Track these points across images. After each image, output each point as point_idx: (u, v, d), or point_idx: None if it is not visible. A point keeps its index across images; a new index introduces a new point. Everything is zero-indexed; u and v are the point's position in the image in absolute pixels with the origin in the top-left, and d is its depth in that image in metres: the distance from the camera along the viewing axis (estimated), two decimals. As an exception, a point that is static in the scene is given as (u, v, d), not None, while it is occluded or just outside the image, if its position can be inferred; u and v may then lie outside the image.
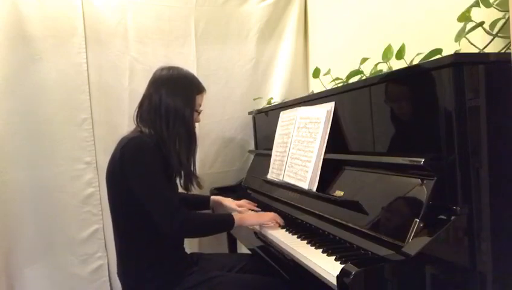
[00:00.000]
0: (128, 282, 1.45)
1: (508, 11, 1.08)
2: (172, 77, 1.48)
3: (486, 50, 1.15)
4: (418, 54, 1.29)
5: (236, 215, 1.50)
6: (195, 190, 1.58)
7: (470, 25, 1.13)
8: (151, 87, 1.48)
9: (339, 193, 1.34)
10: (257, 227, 1.58)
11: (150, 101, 1.45)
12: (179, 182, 1.52)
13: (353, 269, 0.88)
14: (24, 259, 2.01)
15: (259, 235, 1.59)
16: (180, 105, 1.43)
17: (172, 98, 1.43)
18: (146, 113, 1.45)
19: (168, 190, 1.39)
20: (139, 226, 1.40)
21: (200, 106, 1.53)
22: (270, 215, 1.55)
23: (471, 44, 1.18)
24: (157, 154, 1.37)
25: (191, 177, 1.50)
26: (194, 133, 1.50)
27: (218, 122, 2.35)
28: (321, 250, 1.18)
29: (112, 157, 1.43)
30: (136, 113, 1.49)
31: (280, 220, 1.53)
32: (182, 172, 1.48)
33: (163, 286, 1.38)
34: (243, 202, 1.85)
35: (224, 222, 1.48)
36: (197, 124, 1.55)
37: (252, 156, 2.36)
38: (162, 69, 1.50)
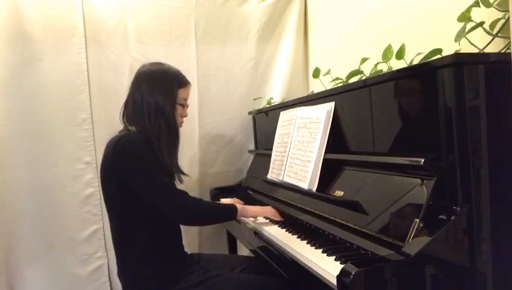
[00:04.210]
0: (128, 281, 1.45)
1: (508, 11, 1.08)
2: (153, 72, 1.49)
3: (486, 50, 1.15)
4: (418, 54, 1.29)
5: (238, 206, 1.53)
6: (178, 185, 1.55)
7: (470, 25, 1.13)
8: (133, 85, 1.50)
9: (339, 193, 1.34)
10: (257, 227, 1.58)
11: (133, 99, 1.47)
12: None
13: (353, 269, 0.88)
14: (24, 259, 2.01)
15: (259, 236, 1.59)
16: (159, 99, 1.44)
17: (151, 94, 1.44)
18: (131, 111, 1.48)
19: (167, 178, 1.40)
20: (138, 226, 1.40)
21: (186, 100, 1.54)
22: (270, 209, 1.60)
23: (471, 44, 1.18)
24: (149, 146, 1.39)
25: (172, 171, 1.49)
26: (176, 127, 1.50)
27: (218, 122, 2.35)
28: (321, 250, 1.19)
29: (104, 158, 1.43)
30: (122, 112, 1.51)
31: (278, 216, 1.58)
32: (165, 166, 1.46)
33: (163, 285, 1.38)
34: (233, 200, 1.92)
35: (228, 211, 1.51)
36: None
37: (252, 156, 2.36)
38: (144, 65, 1.52)
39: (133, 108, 1.46)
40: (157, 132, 1.43)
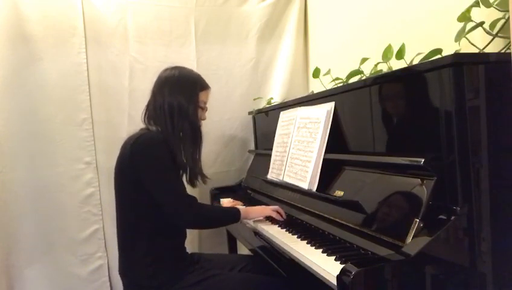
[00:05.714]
0: (129, 279, 1.46)
1: (508, 11, 1.08)
2: (174, 76, 1.51)
3: (486, 50, 1.15)
4: (418, 54, 1.29)
5: (241, 209, 1.55)
6: (200, 186, 1.60)
7: (470, 25, 1.13)
8: (155, 88, 1.52)
9: (338, 193, 1.34)
10: (257, 227, 1.58)
11: (155, 101, 1.49)
12: (184, 177, 1.55)
13: (353, 269, 0.88)
14: (24, 259, 2.01)
15: (259, 235, 1.59)
16: (183, 102, 1.46)
17: (174, 96, 1.46)
18: (153, 112, 1.50)
19: (178, 182, 1.43)
20: (143, 224, 1.41)
21: (205, 103, 1.56)
22: (273, 207, 1.60)
23: (471, 44, 1.18)
24: (166, 148, 1.40)
25: (196, 172, 1.53)
26: (199, 129, 1.53)
27: (218, 122, 2.35)
28: (321, 250, 1.18)
29: (120, 154, 1.45)
30: (144, 113, 1.53)
31: (282, 212, 1.58)
32: (188, 167, 1.51)
33: (164, 284, 1.39)
34: (229, 201, 1.93)
35: (232, 215, 1.53)
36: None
37: (252, 156, 2.36)
38: (166, 69, 1.55)
39: (154, 108, 1.48)
40: (180, 134, 1.46)
